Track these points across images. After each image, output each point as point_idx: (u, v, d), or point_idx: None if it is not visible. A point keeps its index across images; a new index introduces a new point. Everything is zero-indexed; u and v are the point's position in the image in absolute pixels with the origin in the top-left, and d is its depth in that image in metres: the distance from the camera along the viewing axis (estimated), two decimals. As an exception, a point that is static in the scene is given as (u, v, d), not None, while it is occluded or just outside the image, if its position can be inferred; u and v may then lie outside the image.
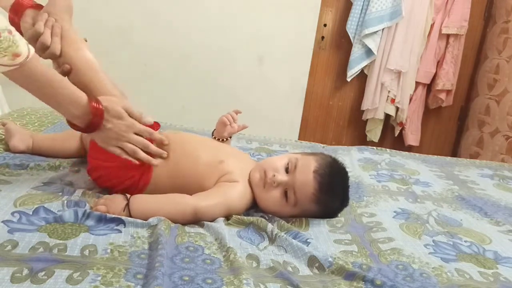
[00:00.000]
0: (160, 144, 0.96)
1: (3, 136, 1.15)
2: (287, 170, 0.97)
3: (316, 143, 1.70)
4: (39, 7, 0.96)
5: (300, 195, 0.94)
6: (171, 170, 0.97)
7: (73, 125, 0.90)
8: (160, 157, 0.96)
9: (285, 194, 0.95)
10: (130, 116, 0.91)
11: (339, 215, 1.02)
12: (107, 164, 0.95)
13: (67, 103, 0.85)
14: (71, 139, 1.14)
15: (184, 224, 0.86)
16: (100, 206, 0.84)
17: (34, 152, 1.10)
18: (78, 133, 1.14)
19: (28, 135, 1.12)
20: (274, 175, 0.94)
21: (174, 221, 0.85)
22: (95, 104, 0.86)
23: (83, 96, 0.86)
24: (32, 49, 0.79)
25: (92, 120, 0.86)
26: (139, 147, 0.92)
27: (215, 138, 1.19)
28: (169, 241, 0.76)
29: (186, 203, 0.88)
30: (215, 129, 1.20)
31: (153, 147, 0.94)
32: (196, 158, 0.99)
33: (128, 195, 0.88)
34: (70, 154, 1.12)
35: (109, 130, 0.89)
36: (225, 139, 1.18)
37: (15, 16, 0.93)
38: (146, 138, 0.93)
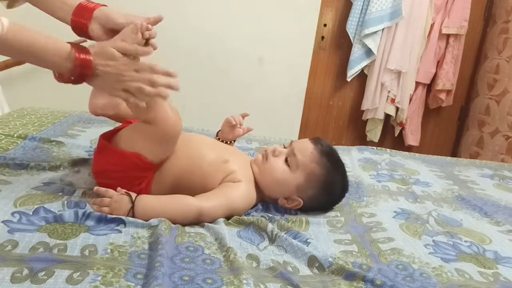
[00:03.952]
0: (168, 76, 0.88)
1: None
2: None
3: (316, 143, 1.70)
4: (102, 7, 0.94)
5: (300, 156, 1.00)
6: (175, 169, 0.96)
7: (62, 79, 0.85)
8: (171, 88, 0.87)
9: (286, 161, 1.01)
10: (126, 55, 0.85)
11: (339, 214, 1.02)
12: (112, 168, 0.92)
13: (51, 56, 0.80)
14: None
15: (186, 225, 0.86)
16: (104, 208, 0.83)
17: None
18: None
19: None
20: (274, 148, 1.05)
21: (177, 223, 0.85)
22: (80, 55, 0.81)
23: (66, 48, 0.81)
24: (6, 22, 0.75)
25: (80, 71, 0.81)
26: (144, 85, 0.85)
27: (219, 139, 1.19)
28: (169, 241, 0.76)
29: (190, 204, 0.88)
30: (219, 130, 1.20)
31: (161, 79, 0.86)
32: (201, 157, 0.99)
33: (133, 195, 0.86)
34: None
35: (106, 74, 0.83)
36: (229, 142, 1.19)
37: (82, 19, 0.92)
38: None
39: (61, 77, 0.85)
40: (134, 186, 0.91)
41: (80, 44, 0.84)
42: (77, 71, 0.82)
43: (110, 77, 0.84)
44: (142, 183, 0.93)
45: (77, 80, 0.84)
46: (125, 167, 0.91)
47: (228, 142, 1.19)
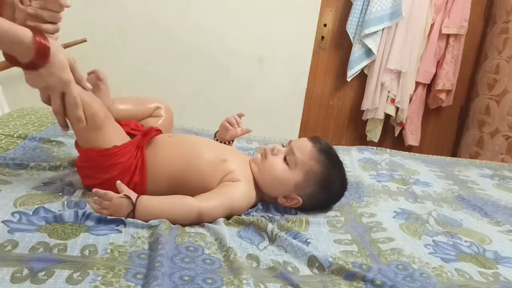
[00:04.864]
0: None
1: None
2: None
3: (316, 143, 1.70)
4: None
5: (299, 155, 1.00)
6: (172, 169, 0.96)
7: (12, 60, 0.82)
8: (80, 121, 0.88)
9: (285, 160, 1.01)
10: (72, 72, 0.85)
11: (339, 214, 1.02)
12: (85, 165, 0.95)
13: (10, 39, 0.78)
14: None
15: (187, 225, 0.86)
16: (104, 211, 0.83)
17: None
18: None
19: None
20: (273, 146, 1.05)
21: (178, 223, 0.85)
22: (42, 40, 0.79)
23: (28, 33, 0.79)
24: None
25: (35, 57, 0.80)
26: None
27: (217, 140, 1.19)
28: (169, 241, 0.76)
29: (190, 204, 0.88)
30: (217, 131, 1.21)
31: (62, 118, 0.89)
32: (198, 157, 0.99)
33: (134, 198, 0.85)
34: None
35: (42, 75, 0.82)
36: (227, 142, 1.19)
37: None
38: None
39: (11, 59, 0.82)
40: (124, 177, 0.92)
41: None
42: (33, 57, 0.80)
43: (42, 80, 0.83)
44: (133, 175, 0.93)
45: (29, 65, 0.81)
46: (91, 162, 0.93)
47: (226, 142, 1.19)
